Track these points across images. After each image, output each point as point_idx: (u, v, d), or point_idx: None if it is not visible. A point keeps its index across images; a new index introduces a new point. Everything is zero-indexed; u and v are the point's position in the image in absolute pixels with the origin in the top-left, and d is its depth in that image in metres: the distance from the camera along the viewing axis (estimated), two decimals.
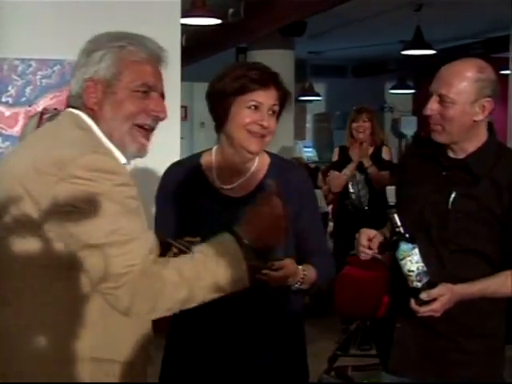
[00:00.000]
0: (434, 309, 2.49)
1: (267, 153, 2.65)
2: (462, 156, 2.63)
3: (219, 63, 10.16)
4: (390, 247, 2.57)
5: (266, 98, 2.48)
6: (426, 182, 2.70)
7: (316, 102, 14.46)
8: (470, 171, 2.60)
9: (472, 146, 2.62)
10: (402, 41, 9.71)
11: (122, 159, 2.01)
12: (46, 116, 2.33)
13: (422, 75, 13.77)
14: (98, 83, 1.97)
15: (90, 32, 5.64)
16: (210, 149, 2.65)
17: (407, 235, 2.50)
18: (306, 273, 2.50)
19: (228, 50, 10.50)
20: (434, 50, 9.40)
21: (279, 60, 9.98)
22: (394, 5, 8.57)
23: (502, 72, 5.52)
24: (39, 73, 5.18)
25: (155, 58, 2.03)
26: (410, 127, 13.58)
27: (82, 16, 5.15)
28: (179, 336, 2.58)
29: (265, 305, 2.50)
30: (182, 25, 5.70)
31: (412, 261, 2.48)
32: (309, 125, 15.50)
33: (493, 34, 9.60)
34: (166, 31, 5.36)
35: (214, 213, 2.52)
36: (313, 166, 10.48)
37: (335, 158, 6.27)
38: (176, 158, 5.28)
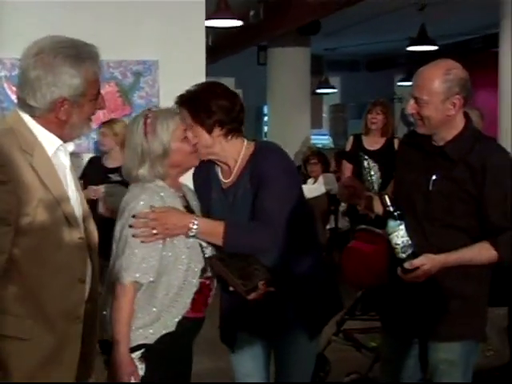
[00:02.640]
0: (417, 275, 2.60)
1: (256, 143, 2.74)
2: (441, 143, 2.71)
3: (242, 60, 10.23)
4: (382, 224, 2.67)
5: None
6: (412, 167, 2.80)
7: (332, 94, 14.46)
8: (447, 156, 2.68)
9: (450, 134, 2.69)
10: (409, 37, 9.67)
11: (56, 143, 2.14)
12: (149, 120, 2.55)
13: None
14: (67, 101, 2.09)
15: (118, 33, 5.72)
16: None
17: (395, 213, 2.59)
18: (197, 222, 2.51)
19: (250, 47, 10.54)
20: (437, 45, 9.37)
21: (296, 56, 10.07)
22: (400, 4, 8.56)
23: None
24: None
25: (100, 65, 2.17)
26: None
27: (110, 18, 5.21)
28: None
29: (287, 275, 2.66)
30: (207, 27, 5.73)
31: (398, 235, 2.58)
32: (325, 115, 15.50)
33: (491, 30, 9.54)
34: (191, 33, 5.44)
35: (218, 200, 2.71)
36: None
37: (349, 147, 6.17)
38: None
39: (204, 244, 2.56)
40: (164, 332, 2.49)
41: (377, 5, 8.31)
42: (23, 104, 2.11)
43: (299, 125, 10.23)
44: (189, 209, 2.63)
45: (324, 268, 2.89)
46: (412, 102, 2.67)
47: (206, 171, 2.75)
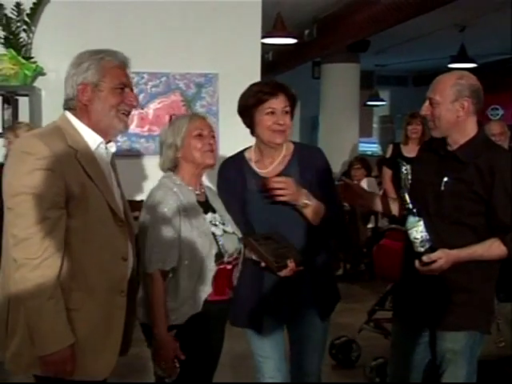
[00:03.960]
0: (433, 269, 2.61)
1: (293, 143, 2.87)
2: (454, 147, 2.73)
3: (299, 74, 10.25)
4: (401, 220, 2.70)
5: (277, 103, 2.71)
6: (427, 169, 2.82)
7: (381, 106, 14.36)
8: (459, 159, 2.70)
9: (462, 139, 2.71)
10: (450, 56, 9.58)
11: (97, 141, 2.24)
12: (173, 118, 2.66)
13: None
14: (88, 85, 2.21)
15: (185, 50, 5.85)
16: (251, 146, 2.88)
17: (414, 210, 2.61)
18: (309, 198, 2.67)
19: (306, 63, 10.58)
20: (476, 63, 9.26)
21: (347, 71, 10.05)
22: (442, 26, 8.49)
23: None
24: (150, 83, 5.35)
25: (123, 64, 2.28)
26: None
27: (178, 36, 5.33)
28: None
29: (310, 264, 2.73)
30: (267, 44, 5.73)
31: (417, 230, 2.59)
32: (375, 125, 15.41)
33: None
34: (248, 49, 5.52)
35: (255, 191, 2.76)
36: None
37: (389, 153, 6.17)
38: None
39: (218, 233, 2.62)
40: (192, 313, 2.54)
41: (421, 26, 8.25)
42: (65, 102, 2.26)
43: (348, 134, 10.22)
44: (208, 205, 2.70)
45: (332, 263, 3.02)
46: (426, 103, 2.71)
47: (235, 167, 2.83)
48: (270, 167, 2.81)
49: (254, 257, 2.71)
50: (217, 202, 2.78)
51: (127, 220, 2.32)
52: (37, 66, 4.96)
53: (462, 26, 8.38)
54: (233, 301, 2.73)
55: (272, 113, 2.70)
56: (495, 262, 2.73)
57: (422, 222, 2.60)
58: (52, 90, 4.93)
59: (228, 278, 2.65)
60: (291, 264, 2.61)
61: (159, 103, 5.42)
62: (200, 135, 2.65)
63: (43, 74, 5.06)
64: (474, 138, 2.72)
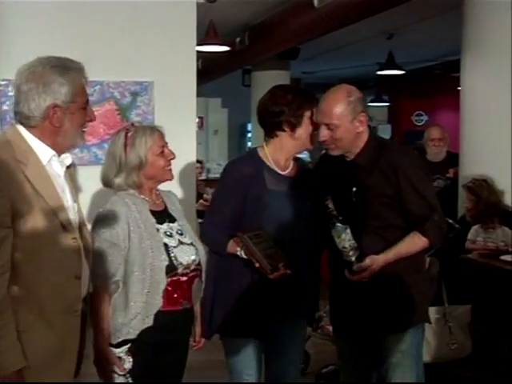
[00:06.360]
0: (364, 276, 2.59)
1: None
2: (352, 157, 2.70)
3: (229, 82, 10.22)
4: (327, 228, 2.60)
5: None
6: (334, 183, 2.77)
7: None
8: (360, 167, 2.67)
9: (357, 147, 2.69)
10: (378, 63, 9.73)
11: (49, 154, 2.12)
12: (129, 134, 2.52)
13: (395, 91, 13.81)
14: (59, 107, 2.08)
15: (117, 57, 5.68)
16: (261, 146, 2.85)
17: (340, 218, 2.56)
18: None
19: (236, 71, 10.54)
20: (403, 70, 9.44)
21: (277, 79, 9.93)
22: (370, 33, 8.59)
23: (458, 88, 5.56)
24: None
25: (86, 78, 2.16)
26: (386, 133, 13.59)
27: (110, 43, 5.16)
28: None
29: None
30: (198, 51, 5.72)
31: (345, 239, 2.55)
32: None
33: (451, 57, 9.63)
34: (184, 57, 5.41)
35: (277, 190, 2.75)
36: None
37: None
38: (193, 159, 5.38)
39: (172, 244, 2.54)
40: (143, 327, 2.47)
41: (350, 33, 8.34)
42: (20, 117, 2.11)
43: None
44: (165, 214, 2.62)
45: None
46: (324, 128, 2.64)
47: (252, 171, 2.76)
48: (288, 168, 2.83)
49: (243, 254, 2.66)
50: (176, 211, 2.69)
51: (82, 234, 2.21)
52: None
53: (389, 33, 8.51)
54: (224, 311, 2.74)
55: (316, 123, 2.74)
56: (421, 253, 2.75)
57: (348, 230, 2.56)
58: None
59: (183, 290, 2.55)
60: (282, 268, 2.61)
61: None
62: (162, 152, 2.57)
63: None
64: (368, 142, 2.70)
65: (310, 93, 2.85)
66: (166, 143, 2.60)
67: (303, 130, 2.75)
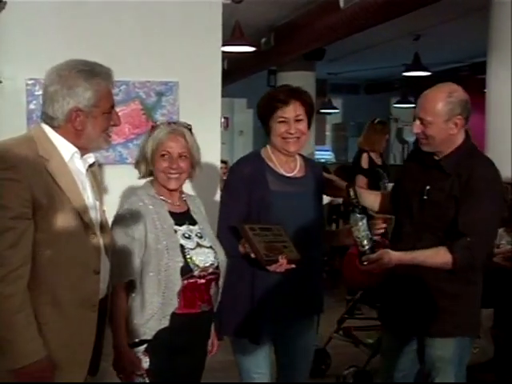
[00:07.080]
0: (373, 268, 2.58)
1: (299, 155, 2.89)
2: (440, 157, 2.70)
3: (254, 82, 10.22)
4: (346, 216, 2.65)
5: (289, 112, 2.66)
6: (412, 178, 2.78)
7: (334, 114, 14.46)
8: (443, 170, 2.67)
9: (448, 149, 2.68)
10: (404, 64, 9.67)
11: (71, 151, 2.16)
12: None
13: (421, 92, 13.70)
14: (81, 111, 2.11)
15: (143, 58, 5.71)
16: (265, 146, 2.84)
17: (360, 206, 2.57)
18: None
19: (261, 71, 10.54)
20: (429, 71, 9.36)
21: (302, 80, 9.96)
22: (396, 34, 8.55)
23: (484, 90, 5.52)
24: None
25: (113, 84, 2.19)
26: (411, 135, 13.51)
27: (137, 44, 5.20)
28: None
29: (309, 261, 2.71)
30: (223, 52, 5.73)
31: (359, 229, 2.55)
32: (328, 133, 15.49)
33: (477, 59, 9.54)
34: (209, 57, 5.42)
35: (280, 192, 2.73)
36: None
37: (365, 162, 6.02)
38: (217, 159, 5.39)
39: (190, 246, 2.54)
40: (160, 328, 2.47)
41: (376, 34, 8.31)
42: (45, 117, 2.15)
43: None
44: (186, 216, 2.63)
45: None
46: (418, 122, 2.65)
47: (253, 171, 2.75)
48: (294, 170, 2.82)
49: (246, 247, 2.63)
50: (199, 214, 2.69)
51: (104, 232, 2.24)
52: None
53: (416, 34, 8.46)
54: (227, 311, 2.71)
55: (283, 121, 2.67)
56: (476, 268, 2.69)
57: (365, 220, 2.56)
58: (7, 99, 4.73)
59: (201, 293, 2.55)
60: (282, 260, 2.54)
61: (119, 112, 5.19)
62: (165, 155, 2.56)
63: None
64: (460, 146, 2.69)
65: (303, 92, 2.77)
66: (186, 150, 2.57)
67: (272, 134, 2.76)
